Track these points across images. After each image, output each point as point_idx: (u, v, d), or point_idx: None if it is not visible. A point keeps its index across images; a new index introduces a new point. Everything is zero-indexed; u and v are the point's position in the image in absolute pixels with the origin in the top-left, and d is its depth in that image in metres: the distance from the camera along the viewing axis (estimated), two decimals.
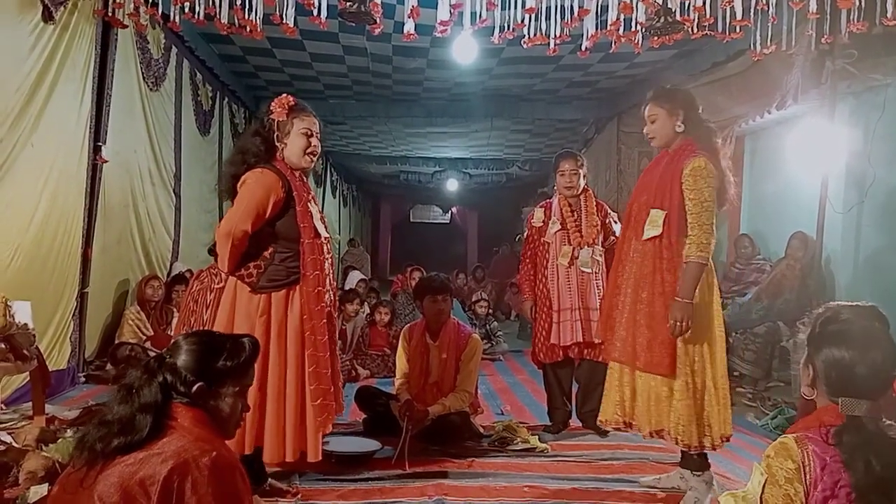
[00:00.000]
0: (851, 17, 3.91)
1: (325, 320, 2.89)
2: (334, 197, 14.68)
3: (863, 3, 3.83)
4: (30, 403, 3.74)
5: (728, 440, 3.07)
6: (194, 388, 1.70)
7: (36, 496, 2.69)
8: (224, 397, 1.76)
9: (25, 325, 3.41)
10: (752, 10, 4.05)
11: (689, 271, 2.92)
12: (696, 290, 2.92)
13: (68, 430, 3.49)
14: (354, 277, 9.74)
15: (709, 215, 2.94)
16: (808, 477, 1.53)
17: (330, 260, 3.01)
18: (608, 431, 3.90)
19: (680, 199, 2.98)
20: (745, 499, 1.61)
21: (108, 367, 5.14)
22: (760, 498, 1.57)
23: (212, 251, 3.49)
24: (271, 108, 2.91)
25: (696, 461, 3.08)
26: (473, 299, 8.27)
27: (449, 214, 22.68)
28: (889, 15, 3.69)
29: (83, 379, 4.98)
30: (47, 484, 2.76)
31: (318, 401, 2.82)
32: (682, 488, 3.12)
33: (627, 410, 3.12)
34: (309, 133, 2.93)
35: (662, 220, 2.99)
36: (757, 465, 1.62)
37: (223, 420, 1.77)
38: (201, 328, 3.22)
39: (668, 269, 2.99)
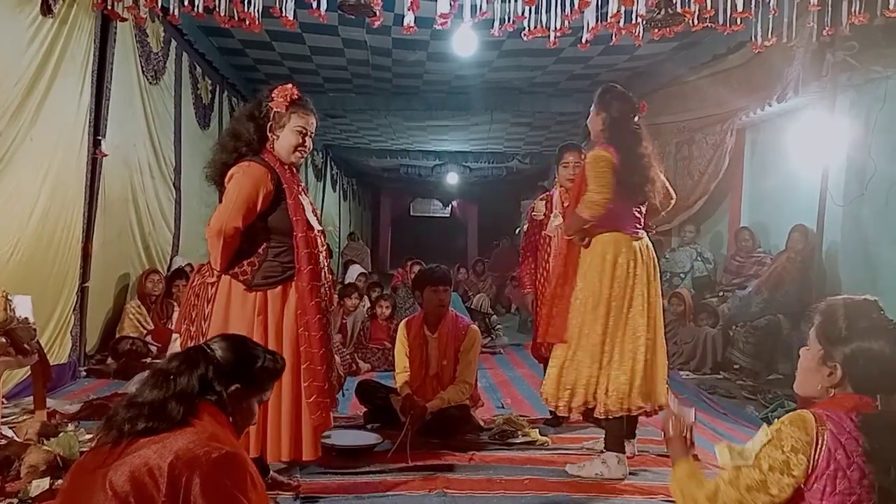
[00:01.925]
0: (852, 9, 3.90)
1: (319, 315, 2.84)
2: (334, 191, 14.66)
3: None
4: (31, 398, 3.75)
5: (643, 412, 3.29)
6: (231, 388, 1.71)
7: (37, 490, 2.70)
8: (251, 404, 1.79)
9: (26, 319, 3.42)
10: (753, 2, 4.04)
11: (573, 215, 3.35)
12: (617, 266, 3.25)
13: (69, 425, 3.51)
14: (354, 271, 9.74)
15: (601, 183, 3.22)
16: (818, 453, 1.50)
17: (325, 253, 2.97)
18: None
19: (581, 187, 3.32)
20: (742, 454, 1.58)
21: (109, 361, 5.15)
22: (756, 455, 1.54)
23: None
24: (272, 95, 2.83)
25: (611, 439, 3.30)
26: (472, 293, 8.26)
27: (449, 208, 22.64)
28: (891, 6, 3.68)
29: (84, 373, 4.99)
30: (48, 478, 2.77)
31: (313, 398, 2.80)
32: (606, 475, 3.22)
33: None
34: (303, 132, 2.87)
35: (563, 212, 3.56)
36: (765, 427, 1.60)
37: (240, 425, 1.80)
38: (203, 322, 3.23)
39: (557, 254, 3.51)
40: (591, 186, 3.21)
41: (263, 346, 2.69)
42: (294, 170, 2.96)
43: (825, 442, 1.50)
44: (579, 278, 3.32)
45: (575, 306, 3.30)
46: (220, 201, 2.85)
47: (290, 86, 2.86)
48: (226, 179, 2.81)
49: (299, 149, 2.88)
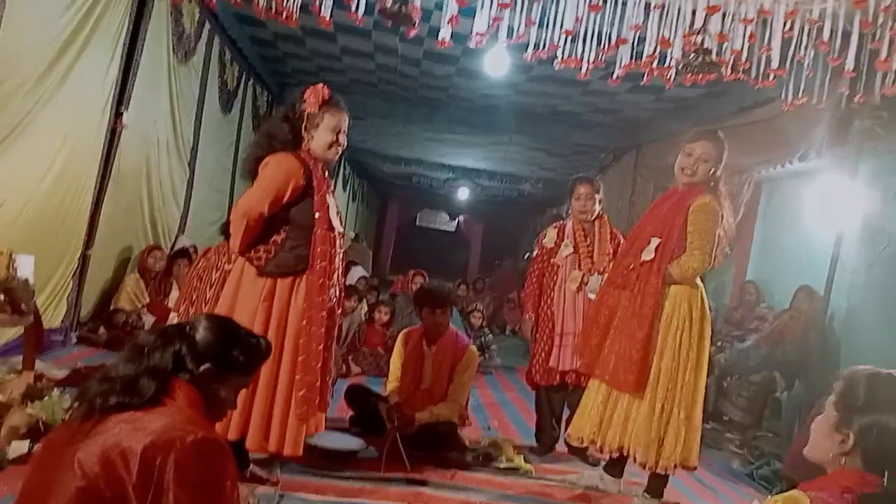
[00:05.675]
0: (886, 80, 3.90)
1: (324, 313, 2.86)
2: (345, 190, 14.67)
3: None
4: (20, 357, 3.73)
5: (692, 469, 3.25)
6: (203, 367, 1.68)
7: (16, 452, 2.67)
8: (225, 387, 1.75)
9: (26, 280, 3.41)
10: (788, 61, 4.04)
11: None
12: (684, 318, 3.13)
13: (55, 390, 3.47)
14: (356, 273, 9.70)
15: (708, 245, 3.11)
16: None
17: (341, 255, 3.00)
18: (597, 462, 3.87)
19: (680, 229, 3.16)
20: None
21: (101, 331, 5.13)
22: None
23: (223, 230, 3.49)
24: (305, 96, 2.90)
25: (654, 485, 3.29)
26: (469, 309, 8.20)
27: (455, 222, 22.65)
28: None
29: (75, 339, 4.96)
30: (28, 441, 2.74)
31: (302, 392, 2.80)
32: (601, 488, 3.44)
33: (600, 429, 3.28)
34: (337, 130, 2.93)
35: (655, 247, 3.17)
36: (759, 500, 1.60)
37: (214, 408, 1.75)
38: (203, 305, 3.21)
39: (650, 292, 3.15)
40: (699, 242, 3.10)
41: (260, 333, 2.67)
42: (325, 171, 3.00)
43: None
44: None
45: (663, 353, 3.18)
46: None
47: (321, 86, 2.93)
48: (260, 166, 2.86)
49: (334, 146, 2.95)
